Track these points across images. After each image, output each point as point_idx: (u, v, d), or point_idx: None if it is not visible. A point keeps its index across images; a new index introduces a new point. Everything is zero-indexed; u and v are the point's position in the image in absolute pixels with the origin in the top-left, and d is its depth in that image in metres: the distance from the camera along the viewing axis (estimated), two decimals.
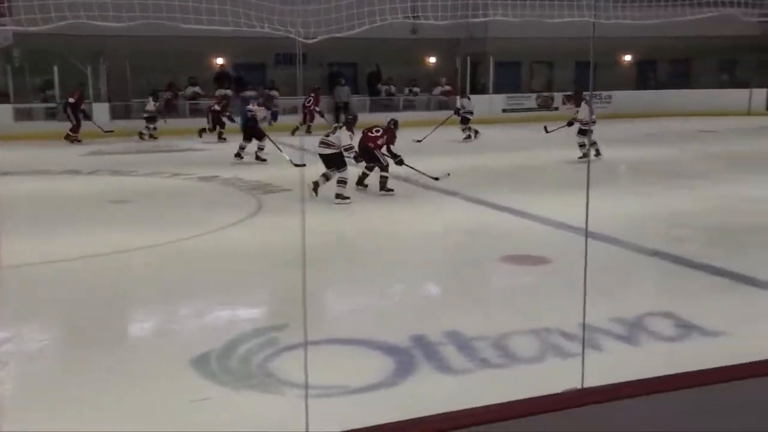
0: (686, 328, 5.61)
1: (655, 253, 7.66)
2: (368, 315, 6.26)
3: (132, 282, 7.24)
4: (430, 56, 28.03)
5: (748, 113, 25.59)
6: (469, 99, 20.44)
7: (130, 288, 7.06)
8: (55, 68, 21.73)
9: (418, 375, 4.84)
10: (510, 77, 27.72)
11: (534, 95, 27.36)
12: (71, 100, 20.05)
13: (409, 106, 25.85)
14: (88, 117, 20.38)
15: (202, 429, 4.17)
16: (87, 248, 8.21)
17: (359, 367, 4.99)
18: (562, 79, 28.21)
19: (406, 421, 3.05)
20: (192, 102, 23.74)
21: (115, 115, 22.51)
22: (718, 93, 22.84)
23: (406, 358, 5.09)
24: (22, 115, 21.70)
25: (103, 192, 12.41)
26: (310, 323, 3.47)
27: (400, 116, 24.73)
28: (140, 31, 14.04)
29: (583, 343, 3.91)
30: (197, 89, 24.01)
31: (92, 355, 5.32)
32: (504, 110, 26.37)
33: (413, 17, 13.80)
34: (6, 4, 13.38)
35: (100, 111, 22.06)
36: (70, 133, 20.03)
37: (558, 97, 27.07)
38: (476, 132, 19.59)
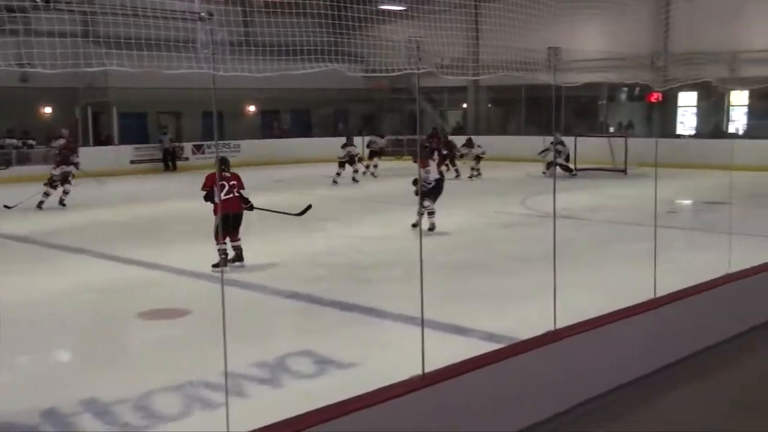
0: (323, 364, 5.87)
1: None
2: None
3: None
4: (45, 106, 26.20)
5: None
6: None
7: None
8: None
9: None
10: (136, 128, 27.04)
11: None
12: None
13: (24, 160, 23.82)
14: None
15: None
16: None
17: None
18: (190, 128, 28.21)
19: None
20: None
21: None
22: (336, 140, 24.65)
23: None
24: None
25: None
26: None
27: (14, 171, 22.86)
28: None
29: (227, 392, 3.87)
30: None
31: None
32: (132, 161, 25.56)
33: (18, 65, 12.72)
34: None
35: None
36: None
37: (188, 147, 26.87)
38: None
